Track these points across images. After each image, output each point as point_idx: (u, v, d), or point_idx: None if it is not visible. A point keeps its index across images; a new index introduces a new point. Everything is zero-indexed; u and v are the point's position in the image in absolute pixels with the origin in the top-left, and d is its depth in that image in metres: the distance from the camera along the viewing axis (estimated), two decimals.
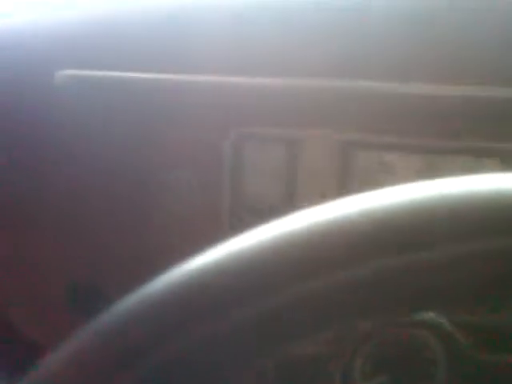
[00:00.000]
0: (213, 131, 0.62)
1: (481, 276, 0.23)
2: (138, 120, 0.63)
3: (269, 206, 0.63)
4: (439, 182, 0.24)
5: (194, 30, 0.62)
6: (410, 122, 0.59)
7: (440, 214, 0.23)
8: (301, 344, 0.25)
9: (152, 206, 0.66)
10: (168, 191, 0.65)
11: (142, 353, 0.23)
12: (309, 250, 0.23)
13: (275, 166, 0.63)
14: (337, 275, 0.23)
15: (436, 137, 0.59)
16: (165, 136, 0.64)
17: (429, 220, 0.23)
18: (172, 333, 0.23)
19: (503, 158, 0.58)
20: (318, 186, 0.62)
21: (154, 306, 0.24)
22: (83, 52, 0.63)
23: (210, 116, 0.62)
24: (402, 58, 0.60)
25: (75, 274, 0.70)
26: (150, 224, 0.66)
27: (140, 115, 0.63)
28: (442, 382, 0.52)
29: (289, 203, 0.63)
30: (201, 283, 0.24)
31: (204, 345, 0.23)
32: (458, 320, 0.51)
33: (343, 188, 0.62)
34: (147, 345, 0.23)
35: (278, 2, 0.62)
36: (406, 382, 0.53)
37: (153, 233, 0.66)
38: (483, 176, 0.24)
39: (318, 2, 0.61)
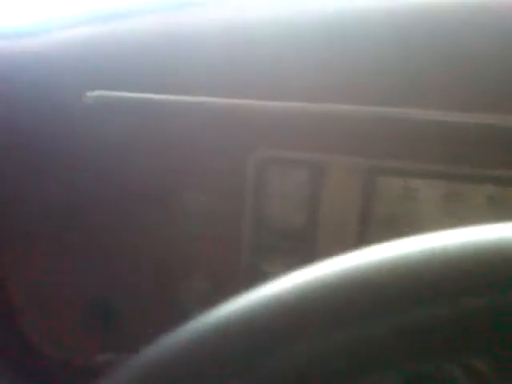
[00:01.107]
0: (235, 154, 0.62)
1: None
2: (163, 142, 0.64)
3: (291, 231, 0.63)
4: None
5: (218, 52, 0.62)
6: (435, 148, 0.59)
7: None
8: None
9: (173, 228, 0.66)
10: (190, 214, 0.65)
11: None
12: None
13: (298, 191, 0.63)
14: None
15: (460, 164, 0.59)
16: (188, 158, 0.64)
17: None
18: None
19: None
20: (341, 211, 0.62)
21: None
22: (113, 73, 0.64)
23: (233, 139, 0.62)
24: (426, 84, 0.60)
25: (92, 291, 0.70)
26: (170, 245, 0.66)
27: (165, 137, 0.64)
28: None
29: (311, 228, 0.63)
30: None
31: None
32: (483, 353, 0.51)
33: (366, 214, 0.61)
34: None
35: (297, 25, 0.62)
36: None
37: (172, 254, 0.66)
38: None
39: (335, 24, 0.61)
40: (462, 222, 0.57)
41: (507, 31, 0.58)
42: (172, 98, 0.61)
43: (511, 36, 0.58)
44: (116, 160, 0.65)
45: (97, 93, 0.62)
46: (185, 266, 0.66)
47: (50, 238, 0.70)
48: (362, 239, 0.62)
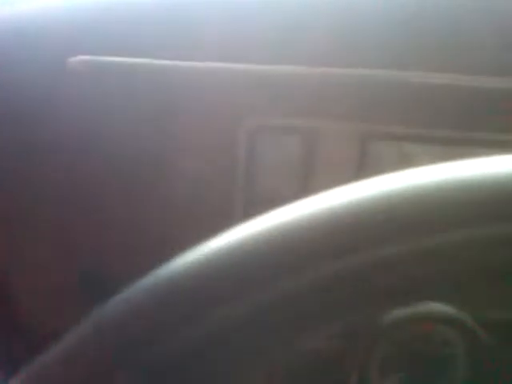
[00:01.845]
0: (227, 120, 0.62)
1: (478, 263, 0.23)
2: (151, 107, 0.63)
3: (284, 199, 0.62)
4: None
5: (209, 16, 0.61)
6: (430, 112, 0.59)
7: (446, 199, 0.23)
8: (315, 335, 0.24)
9: (163, 193, 0.65)
10: (180, 179, 0.64)
11: (144, 346, 0.23)
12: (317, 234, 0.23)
13: (291, 158, 0.62)
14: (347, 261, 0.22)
15: (457, 128, 0.59)
16: (178, 124, 0.63)
17: (429, 207, 0.23)
18: (175, 326, 0.23)
19: None
20: (334, 177, 0.61)
21: (155, 299, 0.23)
22: (96, 37, 0.63)
23: (224, 105, 0.62)
24: (422, 47, 0.59)
25: (84, 261, 0.70)
26: (161, 212, 0.66)
27: (153, 102, 0.63)
28: (462, 378, 0.51)
29: (304, 195, 0.62)
30: (210, 269, 0.23)
31: (213, 337, 0.22)
32: (480, 316, 0.51)
33: (361, 179, 0.61)
34: (149, 338, 0.23)
35: None
36: (425, 379, 0.52)
37: (163, 221, 0.66)
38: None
39: None
40: None
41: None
42: (159, 62, 0.60)
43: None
44: (103, 127, 0.64)
45: (81, 57, 0.61)
46: (176, 237, 0.66)
47: (38, 211, 0.70)
48: None
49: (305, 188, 0.62)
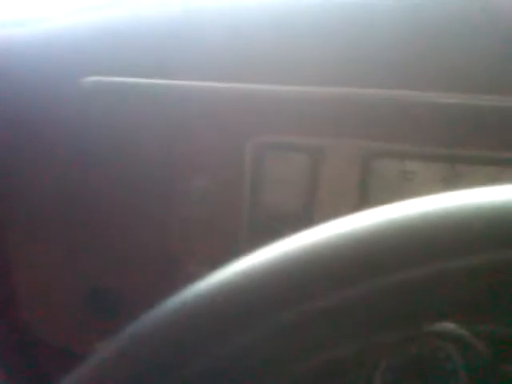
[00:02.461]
0: (233, 139, 0.62)
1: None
2: (161, 128, 0.64)
3: (289, 216, 0.63)
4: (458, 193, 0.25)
5: (218, 36, 0.62)
6: (433, 130, 0.59)
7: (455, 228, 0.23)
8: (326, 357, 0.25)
9: (171, 212, 0.66)
10: (188, 199, 0.65)
11: (179, 363, 0.23)
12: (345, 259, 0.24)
13: (296, 175, 0.62)
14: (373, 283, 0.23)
15: (459, 146, 0.59)
16: (187, 143, 0.64)
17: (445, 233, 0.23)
18: (207, 343, 0.23)
19: None
20: (339, 194, 0.62)
21: (186, 318, 0.24)
22: (109, 59, 0.64)
23: (231, 124, 0.62)
24: (424, 66, 0.59)
25: (94, 277, 0.70)
26: (169, 231, 0.66)
27: (163, 123, 0.64)
28: None
29: (309, 212, 0.63)
30: (236, 291, 0.24)
31: (239, 355, 0.23)
32: (480, 331, 0.51)
33: (365, 197, 0.61)
34: (183, 355, 0.23)
35: (296, 9, 0.62)
36: None
37: (171, 240, 0.66)
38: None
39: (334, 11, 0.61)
40: None
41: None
42: (170, 82, 0.61)
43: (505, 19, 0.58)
44: (113, 146, 0.65)
45: (93, 79, 0.62)
46: (184, 252, 0.66)
47: (49, 225, 0.70)
48: None
49: (310, 204, 0.63)
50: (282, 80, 0.60)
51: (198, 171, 0.64)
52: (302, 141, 0.62)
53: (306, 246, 0.24)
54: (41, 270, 0.72)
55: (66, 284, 0.72)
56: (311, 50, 0.61)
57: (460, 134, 0.59)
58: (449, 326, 0.51)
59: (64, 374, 0.26)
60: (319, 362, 0.25)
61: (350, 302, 0.23)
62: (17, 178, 0.69)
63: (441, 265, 0.23)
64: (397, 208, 0.25)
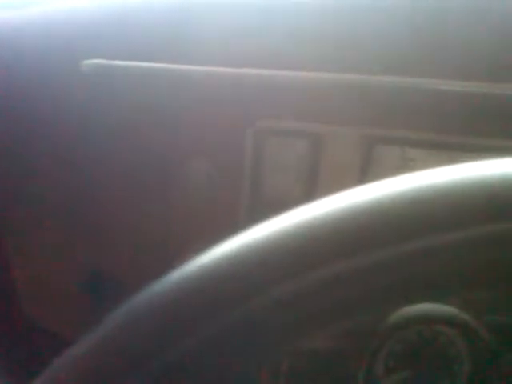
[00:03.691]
0: (234, 125, 0.62)
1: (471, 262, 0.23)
2: (162, 110, 0.63)
3: (289, 202, 0.63)
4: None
5: (219, 22, 0.62)
6: (433, 117, 0.59)
7: (439, 203, 0.23)
8: (321, 334, 0.25)
9: (172, 197, 0.65)
10: (188, 181, 0.65)
11: (155, 352, 0.23)
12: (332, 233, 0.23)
13: (297, 161, 0.62)
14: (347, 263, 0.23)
15: (458, 133, 0.59)
16: (187, 127, 0.64)
17: (426, 209, 0.23)
18: (185, 329, 0.23)
19: None
20: (339, 180, 0.62)
21: (166, 303, 0.24)
22: (109, 41, 0.63)
23: (232, 109, 0.62)
24: (426, 53, 0.59)
25: (93, 265, 0.70)
26: (169, 214, 0.66)
27: (163, 106, 0.63)
28: (466, 379, 0.51)
29: (310, 199, 0.62)
30: (215, 274, 0.24)
31: (220, 339, 0.23)
32: (484, 319, 0.51)
33: (364, 183, 0.61)
34: (160, 344, 0.23)
35: None
36: (429, 379, 0.52)
37: (171, 223, 0.66)
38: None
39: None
40: None
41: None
42: (171, 66, 0.60)
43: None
44: (114, 129, 0.64)
45: (94, 61, 0.61)
46: (184, 238, 0.66)
47: (48, 212, 0.70)
48: None
49: (310, 189, 0.63)
50: (283, 66, 0.60)
51: (198, 157, 0.64)
52: (302, 127, 0.61)
53: (299, 222, 0.24)
54: (39, 259, 0.72)
55: (65, 272, 0.71)
56: (312, 35, 0.61)
57: (460, 121, 0.59)
58: (452, 310, 0.51)
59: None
60: (321, 345, 0.24)
61: (345, 277, 0.23)
62: (15, 164, 0.69)
63: (443, 239, 0.23)
64: (391, 182, 0.25)
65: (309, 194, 0.63)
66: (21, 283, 0.74)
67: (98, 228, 0.68)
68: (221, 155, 0.64)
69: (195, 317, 0.23)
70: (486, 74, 0.58)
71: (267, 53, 0.61)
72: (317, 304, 0.23)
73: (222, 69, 0.60)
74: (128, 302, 0.24)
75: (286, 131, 0.62)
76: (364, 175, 0.61)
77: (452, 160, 0.59)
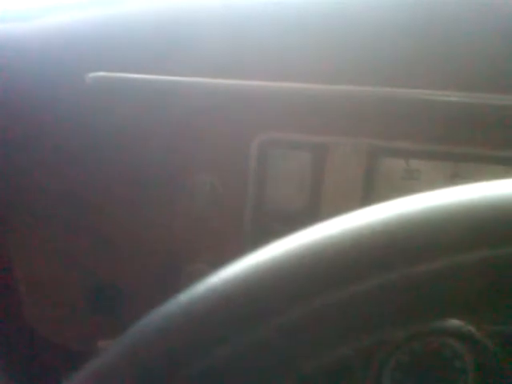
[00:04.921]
0: (238, 136, 0.62)
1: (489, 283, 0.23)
2: (165, 124, 0.64)
3: (293, 213, 0.63)
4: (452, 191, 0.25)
5: (223, 34, 0.62)
6: (437, 128, 0.59)
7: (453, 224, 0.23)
8: (336, 352, 0.25)
9: (175, 209, 0.65)
10: (192, 197, 0.65)
11: (179, 366, 0.23)
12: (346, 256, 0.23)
13: (300, 172, 0.62)
14: (366, 283, 0.23)
15: (463, 144, 0.59)
16: (191, 139, 0.64)
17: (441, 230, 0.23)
18: (215, 342, 0.23)
19: None
20: (343, 192, 0.62)
21: (195, 315, 0.24)
22: (114, 54, 0.64)
23: (236, 121, 0.62)
24: (429, 65, 0.59)
25: (97, 275, 0.70)
26: (173, 228, 0.66)
27: (167, 118, 0.63)
28: None
29: (313, 210, 0.63)
30: (245, 289, 0.24)
31: (246, 352, 0.23)
32: (489, 329, 0.51)
33: (369, 196, 0.61)
34: (183, 358, 0.23)
35: (300, 6, 0.62)
36: None
37: (175, 237, 0.66)
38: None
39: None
40: None
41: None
42: (174, 79, 0.61)
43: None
44: (119, 141, 0.64)
45: (97, 74, 0.62)
46: (187, 249, 0.66)
47: (53, 221, 0.70)
48: None
49: (314, 201, 0.63)
50: (287, 78, 0.60)
51: (202, 169, 0.64)
52: (306, 139, 0.62)
53: (309, 243, 0.24)
54: (43, 268, 0.72)
55: (68, 282, 0.71)
56: (315, 47, 0.61)
57: (464, 132, 0.59)
58: (456, 323, 0.51)
59: (66, 372, 0.26)
60: (328, 360, 0.25)
61: (357, 298, 0.23)
62: (18, 175, 0.69)
63: (449, 260, 0.23)
64: (404, 202, 0.25)
65: (313, 206, 0.63)
66: (21, 287, 0.74)
67: (100, 236, 0.68)
68: (225, 167, 0.64)
69: (233, 323, 0.23)
70: (490, 85, 0.58)
71: (270, 64, 0.61)
72: (329, 326, 0.23)
73: (225, 81, 0.60)
74: (155, 313, 0.25)
75: (289, 143, 0.62)
76: (368, 187, 0.61)
77: (456, 171, 0.60)
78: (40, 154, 0.67)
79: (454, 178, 0.60)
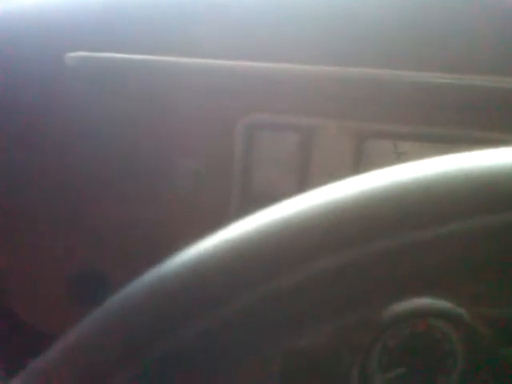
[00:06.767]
0: (223, 118, 0.62)
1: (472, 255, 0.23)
2: (148, 104, 0.63)
3: (280, 196, 0.62)
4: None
5: (206, 13, 0.61)
6: (425, 111, 0.59)
7: (431, 194, 0.23)
8: (315, 331, 0.24)
9: (160, 193, 0.65)
10: (177, 178, 0.64)
11: (141, 347, 0.22)
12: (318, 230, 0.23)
13: (287, 155, 0.62)
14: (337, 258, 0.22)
15: (451, 126, 0.59)
16: (175, 122, 0.63)
17: (419, 201, 0.23)
18: (171, 326, 0.22)
19: None
20: (330, 175, 0.61)
21: (149, 301, 0.23)
22: (94, 34, 0.63)
23: (221, 102, 0.61)
24: (417, 46, 0.59)
25: (79, 263, 0.69)
26: (158, 212, 0.65)
27: (149, 99, 0.63)
28: (461, 373, 0.51)
29: (300, 192, 0.62)
30: (201, 270, 0.23)
31: (205, 336, 0.22)
32: (478, 312, 0.51)
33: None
34: (145, 340, 0.22)
35: None
36: (424, 374, 0.52)
37: (160, 221, 0.65)
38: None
39: None
40: None
41: None
42: (158, 58, 0.60)
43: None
44: (98, 124, 0.63)
45: (78, 54, 0.61)
46: (172, 233, 0.65)
47: (36, 209, 0.69)
48: None
49: (301, 183, 0.62)
50: (273, 59, 0.60)
51: (187, 151, 0.63)
52: (293, 121, 0.61)
53: (284, 218, 0.24)
54: (27, 257, 0.71)
55: (53, 270, 0.71)
56: (302, 28, 0.60)
57: (452, 113, 0.59)
58: (447, 304, 0.51)
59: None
60: (314, 342, 0.24)
61: (337, 273, 0.22)
62: (0, 160, 0.68)
63: (436, 232, 0.22)
64: (374, 176, 0.24)
65: (300, 188, 0.62)
66: (9, 280, 0.73)
67: (84, 223, 0.68)
68: (211, 149, 0.63)
69: (188, 311, 0.22)
70: (476, 67, 0.58)
71: (256, 45, 0.61)
72: (309, 300, 0.23)
73: (211, 61, 0.59)
74: (119, 293, 0.24)
75: (276, 125, 0.61)
76: (355, 169, 0.61)
77: (444, 152, 0.59)
78: (20, 137, 0.66)
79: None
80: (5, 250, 0.72)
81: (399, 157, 0.61)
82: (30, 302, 0.74)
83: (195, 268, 0.23)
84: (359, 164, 0.61)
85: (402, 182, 0.23)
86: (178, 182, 0.64)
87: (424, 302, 0.50)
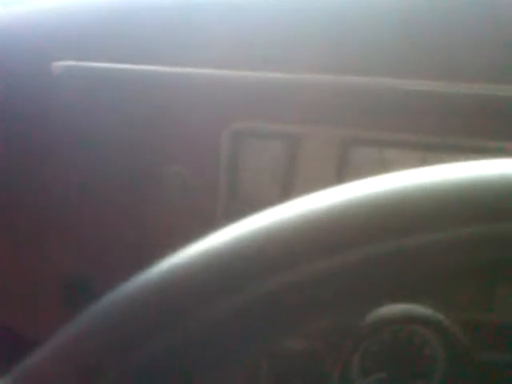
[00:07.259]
0: (210, 126, 0.62)
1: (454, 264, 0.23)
2: (135, 113, 0.63)
3: (265, 203, 0.63)
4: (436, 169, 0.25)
5: (194, 22, 0.61)
6: (410, 118, 0.59)
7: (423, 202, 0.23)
8: (296, 333, 0.25)
9: (147, 201, 0.65)
10: (164, 186, 0.64)
11: (131, 348, 0.23)
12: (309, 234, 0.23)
13: (273, 163, 0.62)
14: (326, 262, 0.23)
15: (436, 134, 0.59)
16: (162, 130, 0.63)
17: (411, 208, 0.23)
18: (161, 326, 0.23)
19: (503, 157, 0.57)
20: (315, 182, 0.61)
21: (140, 300, 0.23)
22: (81, 43, 0.63)
23: (208, 110, 0.62)
24: (401, 54, 0.59)
25: (70, 270, 0.69)
26: (145, 219, 0.65)
27: (137, 108, 0.63)
28: (441, 379, 0.52)
29: (286, 199, 0.62)
30: (192, 271, 0.23)
31: (196, 336, 0.23)
32: (458, 318, 0.51)
33: (342, 184, 0.61)
34: (136, 340, 0.23)
35: None
36: (405, 379, 0.53)
37: (148, 228, 0.65)
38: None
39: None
40: None
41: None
42: (145, 68, 0.60)
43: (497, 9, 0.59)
44: (85, 131, 0.64)
45: (65, 63, 0.61)
46: (159, 239, 0.65)
47: (25, 215, 0.69)
48: None
49: (286, 191, 0.62)
50: (259, 67, 0.60)
51: (174, 158, 0.64)
52: (278, 128, 0.61)
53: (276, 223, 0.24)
54: (17, 263, 0.71)
55: (42, 276, 0.70)
56: (288, 36, 0.61)
57: (437, 122, 0.59)
58: (427, 310, 0.51)
59: None
60: (297, 346, 0.24)
61: (319, 278, 0.23)
62: None
63: (419, 241, 0.23)
64: (360, 185, 0.25)
65: (285, 196, 0.62)
66: (5, 286, 0.73)
67: (72, 227, 0.68)
68: (196, 157, 0.63)
69: (179, 311, 0.23)
70: (461, 74, 0.58)
71: (242, 54, 0.61)
72: (291, 303, 0.23)
73: (197, 70, 0.59)
74: (109, 294, 0.24)
75: (261, 132, 0.62)
76: (341, 176, 0.61)
77: (428, 161, 0.60)
78: (7, 144, 0.67)
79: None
80: None
81: (385, 164, 0.61)
82: (21, 311, 0.74)
83: (184, 271, 0.23)
84: (345, 171, 0.61)
85: (387, 191, 0.24)
86: (165, 188, 0.64)
87: (405, 308, 0.50)
